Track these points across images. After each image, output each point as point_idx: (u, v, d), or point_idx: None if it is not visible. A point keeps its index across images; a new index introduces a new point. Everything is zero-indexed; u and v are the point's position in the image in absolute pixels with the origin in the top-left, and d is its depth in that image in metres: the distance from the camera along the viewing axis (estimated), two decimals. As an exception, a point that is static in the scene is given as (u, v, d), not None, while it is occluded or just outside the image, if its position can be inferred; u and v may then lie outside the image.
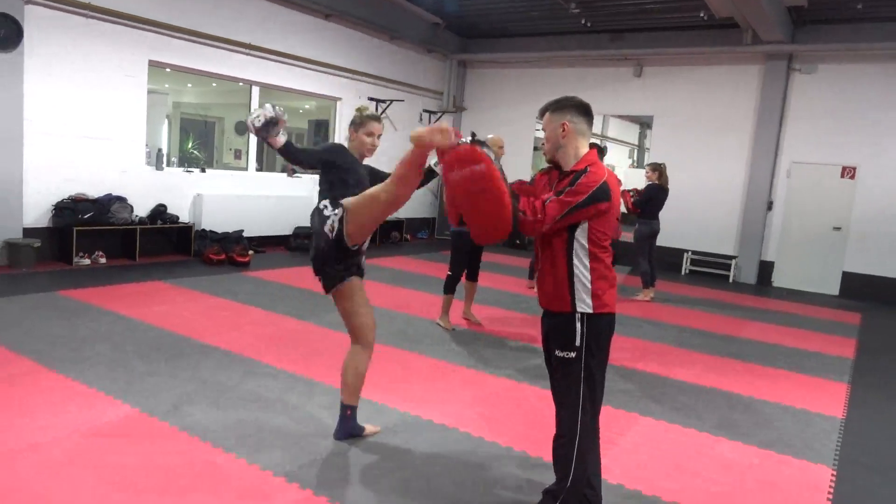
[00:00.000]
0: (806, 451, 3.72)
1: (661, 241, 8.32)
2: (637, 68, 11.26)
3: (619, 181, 2.95)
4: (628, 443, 3.64)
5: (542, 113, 2.63)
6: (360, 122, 3.37)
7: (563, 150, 2.56)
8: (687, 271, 10.83)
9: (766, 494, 3.17)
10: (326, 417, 3.62)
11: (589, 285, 2.47)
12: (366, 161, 3.46)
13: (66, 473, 2.81)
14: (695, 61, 10.77)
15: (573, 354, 2.49)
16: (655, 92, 11.20)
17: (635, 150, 19.10)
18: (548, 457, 3.31)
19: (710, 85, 10.70)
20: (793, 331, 6.99)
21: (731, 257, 10.53)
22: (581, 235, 2.48)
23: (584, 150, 2.56)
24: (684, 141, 10.90)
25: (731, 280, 10.39)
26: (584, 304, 2.47)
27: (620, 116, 15.80)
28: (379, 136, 3.41)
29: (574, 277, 2.49)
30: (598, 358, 2.52)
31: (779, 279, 10.25)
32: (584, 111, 2.57)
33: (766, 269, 10.35)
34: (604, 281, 2.49)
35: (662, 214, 8.07)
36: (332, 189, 3.21)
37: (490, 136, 5.85)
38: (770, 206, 10.29)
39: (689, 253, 10.83)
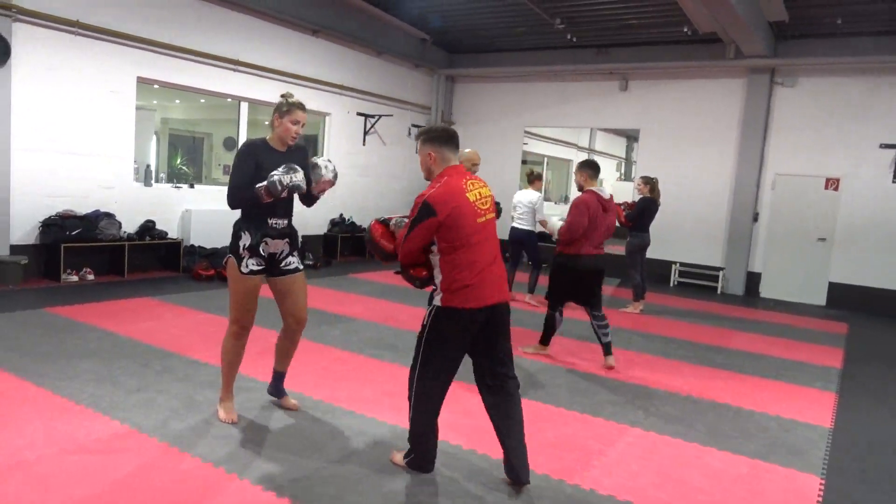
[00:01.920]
0: (794, 461, 3.75)
1: (649, 253, 8.38)
2: (623, 82, 11.40)
3: (478, 186, 3.13)
4: (618, 454, 3.66)
5: (417, 138, 3.25)
6: (286, 109, 3.45)
7: (433, 173, 3.13)
8: (675, 283, 10.90)
9: None
10: (315, 431, 3.61)
11: (440, 285, 3.03)
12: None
13: (53, 491, 2.78)
14: (679, 75, 10.92)
15: (421, 329, 3.10)
16: (641, 105, 11.33)
17: (622, 163, 19.26)
18: (541, 469, 3.32)
19: (694, 98, 10.85)
20: (780, 341, 7.05)
21: (718, 269, 10.61)
22: (434, 247, 3.03)
23: (440, 170, 3.11)
24: (670, 153, 11.02)
25: (719, 291, 10.46)
26: (437, 299, 3.04)
27: (607, 130, 15.95)
28: (303, 124, 3.50)
29: (435, 280, 3.08)
30: (437, 345, 3.04)
31: (766, 290, 10.34)
32: (446, 139, 3.13)
33: (753, 280, 10.45)
34: (454, 281, 2.97)
35: (651, 226, 8.14)
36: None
37: (467, 150, 5.89)
38: (756, 217, 10.41)
39: (678, 265, 10.91)
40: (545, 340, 5.65)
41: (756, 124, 10.25)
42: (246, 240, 3.51)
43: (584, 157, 16.67)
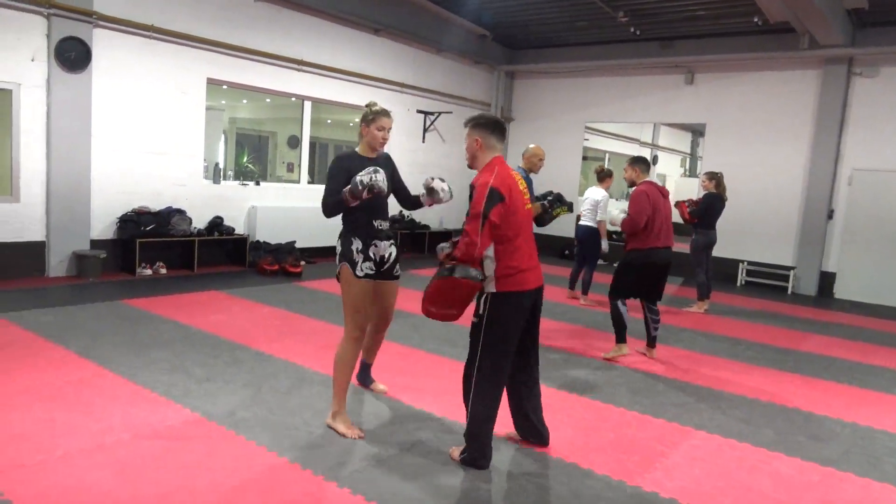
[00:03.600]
0: (871, 470, 3.57)
1: (715, 251, 8.11)
2: (688, 75, 11.07)
3: (518, 177, 3.24)
4: (682, 457, 3.57)
5: (465, 125, 3.25)
6: (371, 117, 3.63)
7: (478, 160, 3.21)
8: (742, 282, 10.53)
9: (828, 513, 3.06)
10: (376, 424, 3.67)
11: (493, 273, 3.09)
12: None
13: (128, 474, 2.93)
14: (749, 67, 10.52)
15: (475, 320, 3.16)
16: (708, 99, 10.99)
17: (687, 159, 18.73)
18: (601, 469, 3.29)
19: (765, 91, 10.43)
20: (857, 344, 6.71)
21: (789, 268, 10.19)
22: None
23: (488, 159, 3.18)
24: (738, 148, 10.64)
25: (789, 291, 10.05)
26: (490, 286, 3.10)
27: (671, 125, 15.53)
28: (389, 129, 3.66)
29: (485, 269, 3.11)
30: (496, 329, 3.10)
31: (841, 291, 9.86)
32: (493, 127, 3.19)
33: (827, 280, 9.98)
34: (509, 268, 3.07)
35: (717, 224, 7.88)
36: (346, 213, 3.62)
37: (531, 145, 6.00)
38: (831, 214, 9.94)
39: (745, 263, 10.54)
40: (621, 338, 5.40)
41: (832, 117, 9.77)
42: (358, 244, 3.61)
43: (647, 153, 16.30)
